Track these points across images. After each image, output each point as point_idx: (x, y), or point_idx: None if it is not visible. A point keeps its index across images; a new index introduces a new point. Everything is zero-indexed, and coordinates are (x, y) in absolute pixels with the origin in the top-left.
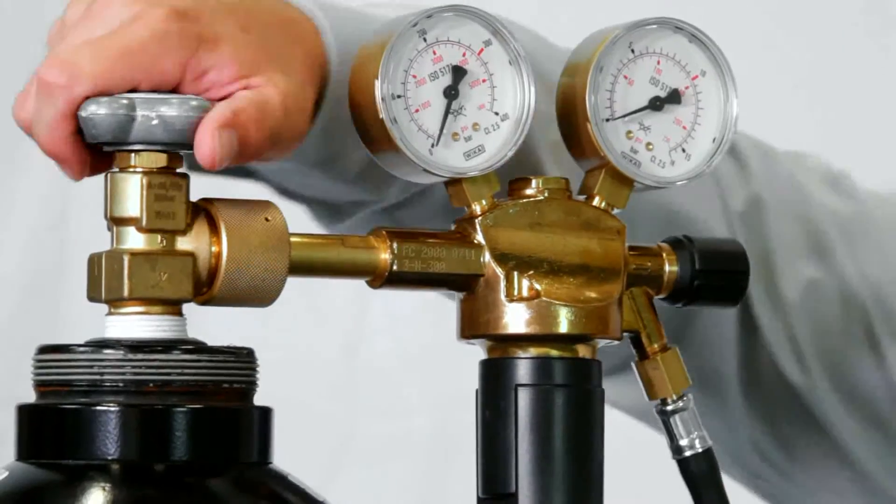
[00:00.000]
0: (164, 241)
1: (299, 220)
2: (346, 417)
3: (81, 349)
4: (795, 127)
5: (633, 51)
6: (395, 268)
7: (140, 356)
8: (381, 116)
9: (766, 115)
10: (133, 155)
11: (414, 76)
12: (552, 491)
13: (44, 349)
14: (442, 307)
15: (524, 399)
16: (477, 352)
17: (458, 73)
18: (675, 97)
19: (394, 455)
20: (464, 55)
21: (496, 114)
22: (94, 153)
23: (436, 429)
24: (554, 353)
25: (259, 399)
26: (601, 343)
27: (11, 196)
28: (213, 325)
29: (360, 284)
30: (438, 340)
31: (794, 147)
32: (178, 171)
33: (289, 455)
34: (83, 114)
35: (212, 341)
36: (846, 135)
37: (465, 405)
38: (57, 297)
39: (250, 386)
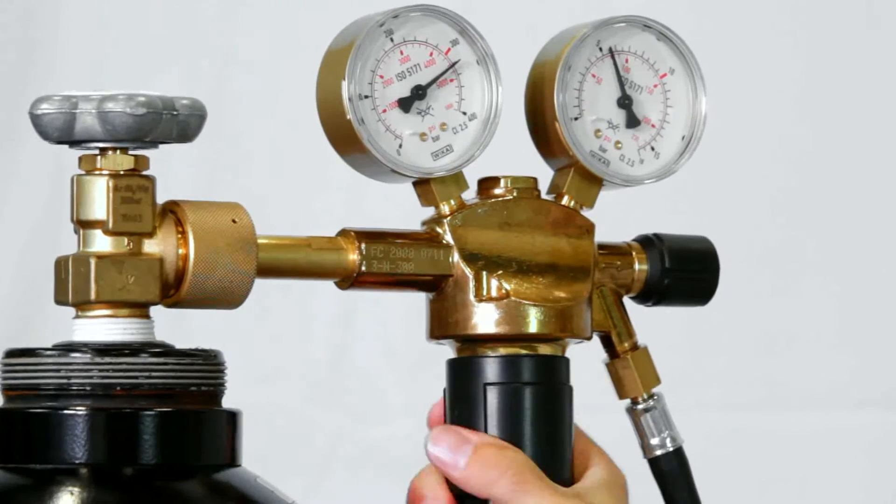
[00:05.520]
0: (131, 244)
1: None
2: (333, 423)
3: (48, 353)
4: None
5: (601, 49)
6: (363, 269)
7: (107, 360)
8: (348, 117)
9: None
10: (99, 157)
11: (381, 76)
12: None
13: (11, 353)
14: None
15: (493, 397)
16: None
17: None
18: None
19: (380, 460)
20: (431, 55)
21: (464, 113)
22: None
23: (422, 433)
24: (523, 351)
25: (248, 405)
26: (571, 343)
27: (3, 200)
28: (197, 332)
29: None
30: (425, 345)
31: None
32: (145, 173)
33: (276, 460)
34: (35, 111)
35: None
36: (835, 135)
37: None
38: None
39: (218, 388)
